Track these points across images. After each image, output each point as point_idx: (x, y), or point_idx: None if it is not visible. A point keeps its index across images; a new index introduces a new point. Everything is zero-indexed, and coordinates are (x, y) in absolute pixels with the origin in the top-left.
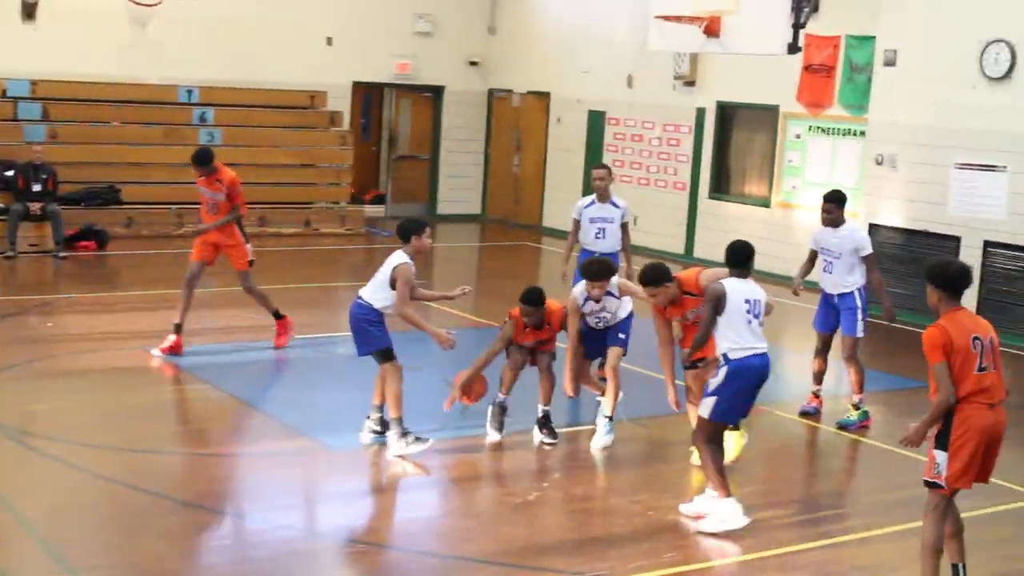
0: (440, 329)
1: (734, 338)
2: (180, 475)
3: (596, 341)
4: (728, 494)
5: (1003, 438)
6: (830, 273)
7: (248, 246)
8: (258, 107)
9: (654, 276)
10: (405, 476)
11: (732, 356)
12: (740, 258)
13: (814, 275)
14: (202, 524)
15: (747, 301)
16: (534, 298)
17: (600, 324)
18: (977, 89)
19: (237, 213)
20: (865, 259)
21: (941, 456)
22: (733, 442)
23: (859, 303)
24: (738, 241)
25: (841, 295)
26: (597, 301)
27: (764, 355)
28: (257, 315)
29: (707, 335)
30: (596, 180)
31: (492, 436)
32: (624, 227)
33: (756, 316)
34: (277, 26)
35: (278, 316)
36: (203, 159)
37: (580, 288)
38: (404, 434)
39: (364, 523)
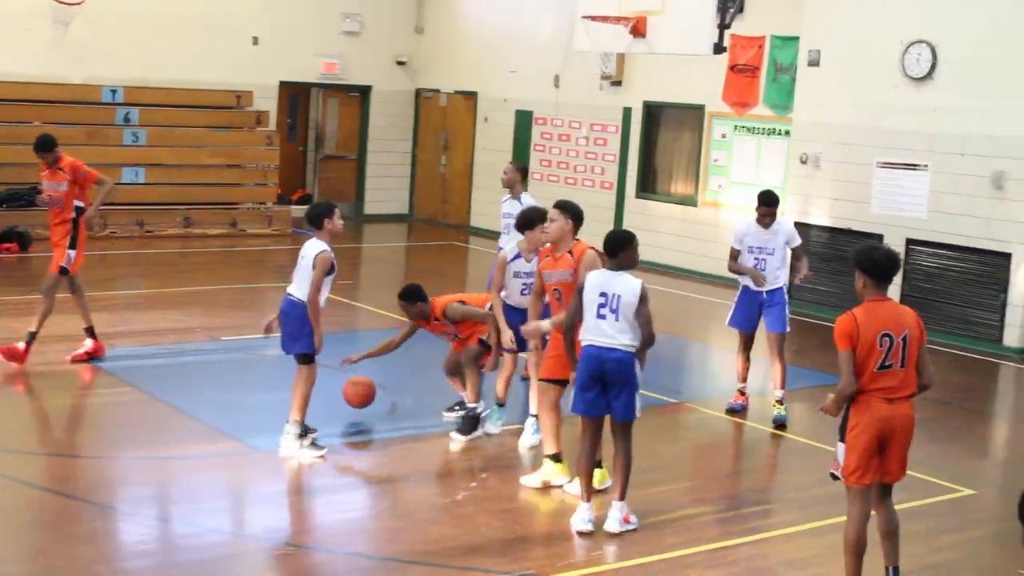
0: (321, 340)
1: (584, 327)
2: (103, 479)
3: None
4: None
5: (908, 432)
6: (763, 270)
7: (71, 252)
8: (183, 107)
9: None
10: (333, 478)
11: (582, 343)
12: (609, 248)
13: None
14: (126, 529)
15: (603, 295)
16: (403, 294)
17: (527, 292)
18: (899, 89)
19: (110, 185)
20: (795, 250)
21: (840, 448)
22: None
23: (786, 298)
24: (613, 231)
25: (771, 291)
26: (528, 261)
27: (601, 348)
28: (183, 317)
29: (571, 318)
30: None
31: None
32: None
33: (614, 311)
34: (203, 25)
35: (91, 334)
36: (46, 145)
37: (512, 244)
38: (302, 436)
39: (292, 525)
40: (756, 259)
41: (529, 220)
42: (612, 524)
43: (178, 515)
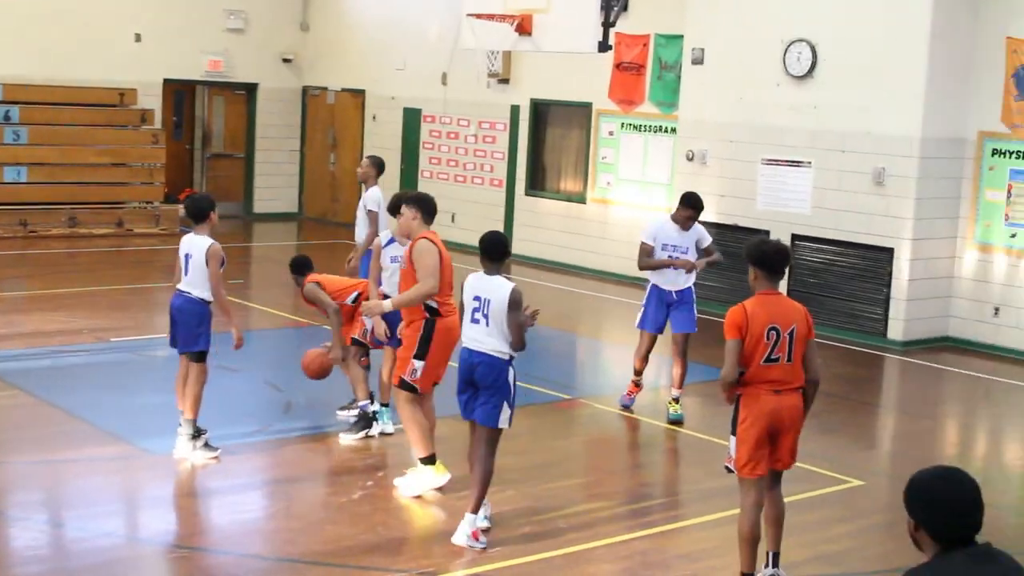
0: (240, 329)
1: (462, 329)
2: None
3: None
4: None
5: (797, 422)
6: (675, 269)
7: None
8: (66, 105)
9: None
10: (227, 479)
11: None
12: (484, 249)
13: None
14: (16, 535)
15: (476, 299)
16: (291, 264)
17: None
18: (781, 87)
19: None
20: (707, 248)
21: (732, 441)
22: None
23: (695, 297)
24: (488, 233)
25: (681, 291)
26: (403, 245)
27: (472, 352)
28: (70, 318)
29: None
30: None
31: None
32: (369, 215)
33: (485, 316)
34: (84, 22)
35: None
36: None
37: (387, 231)
38: (195, 436)
39: (186, 527)
40: (671, 256)
41: (397, 203)
42: (460, 537)
43: (69, 520)
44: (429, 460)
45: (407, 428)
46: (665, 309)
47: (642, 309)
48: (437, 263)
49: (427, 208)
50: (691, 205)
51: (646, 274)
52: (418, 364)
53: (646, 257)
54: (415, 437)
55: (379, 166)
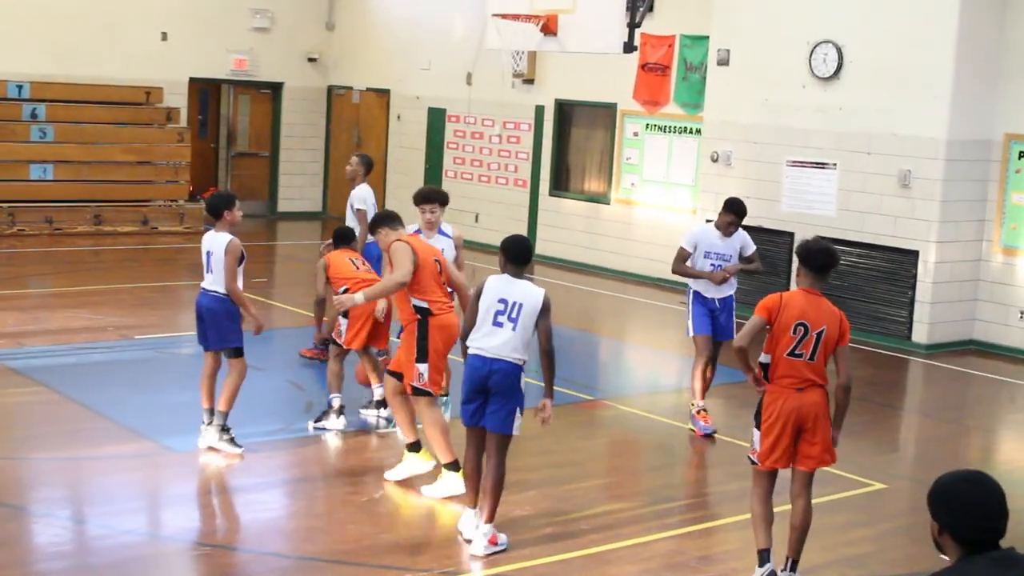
0: (257, 318)
1: (476, 334)
2: (15, 481)
3: None
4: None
5: (819, 418)
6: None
7: None
8: (92, 103)
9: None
10: (250, 477)
11: (470, 351)
12: (512, 254)
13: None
14: (40, 531)
15: (502, 302)
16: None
17: None
18: (807, 88)
19: None
20: (749, 256)
21: (756, 434)
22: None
23: (735, 305)
24: (513, 237)
25: (723, 298)
26: (429, 238)
27: (487, 360)
28: (95, 316)
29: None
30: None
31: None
32: (358, 214)
33: (514, 319)
34: (111, 21)
35: None
36: None
37: (415, 224)
38: (225, 429)
39: (207, 525)
40: (713, 265)
41: (426, 196)
42: (478, 548)
43: (92, 516)
44: (453, 466)
45: (428, 434)
46: (709, 315)
47: (689, 316)
48: (409, 258)
49: (389, 220)
50: (732, 211)
51: (687, 280)
52: (422, 368)
53: (680, 263)
54: (438, 443)
55: (368, 164)
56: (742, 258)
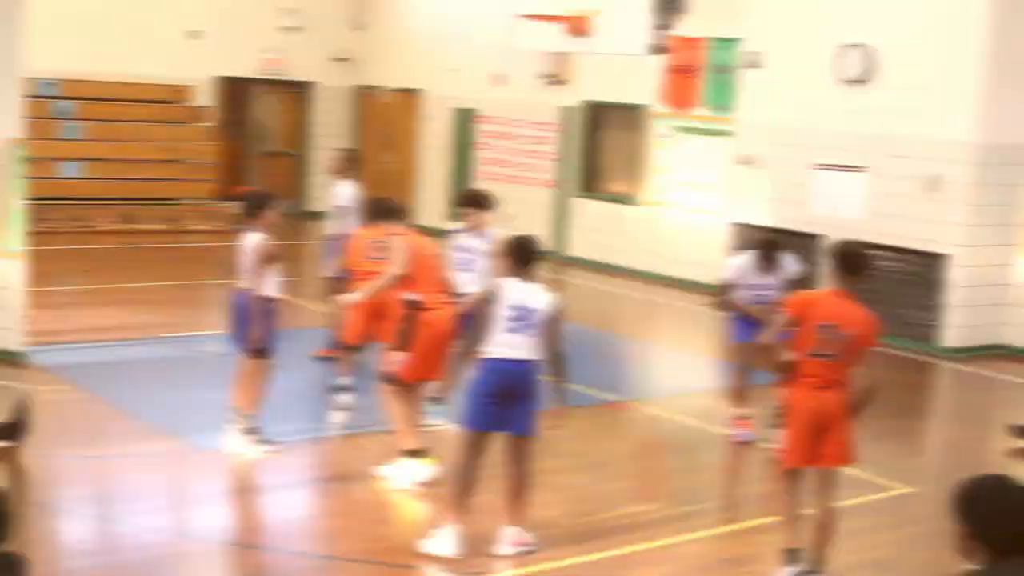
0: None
1: (491, 338)
2: (44, 478)
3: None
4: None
5: (840, 418)
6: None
7: None
8: (122, 101)
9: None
10: (277, 476)
11: (485, 355)
12: (522, 256)
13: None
14: (67, 528)
15: (519, 308)
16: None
17: (464, 268)
18: (836, 91)
19: None
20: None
21: (780, 434)
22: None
23: None
24: (523, 237)
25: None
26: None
27: (514, 362)
28: (123, 314)
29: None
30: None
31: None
32: (339, 210)
33: (532, 325)
34: (141, 19)
35: None
36: None
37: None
38: (251, 431)
39: (236, 524)
40: (757, 295)
41: (475, 199)
42: (506, 549)
43: (119, 514)
44: (414, 453)
45: (391, 420)
46: (750, 325)
47: (732, 323)
48: (404, 254)
49: (389, 213)
50: (760, 247)
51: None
52: (396, 356)
53: (724, 298)
54: (400, 429)
55: (352, 160)
56: (789, 282)
